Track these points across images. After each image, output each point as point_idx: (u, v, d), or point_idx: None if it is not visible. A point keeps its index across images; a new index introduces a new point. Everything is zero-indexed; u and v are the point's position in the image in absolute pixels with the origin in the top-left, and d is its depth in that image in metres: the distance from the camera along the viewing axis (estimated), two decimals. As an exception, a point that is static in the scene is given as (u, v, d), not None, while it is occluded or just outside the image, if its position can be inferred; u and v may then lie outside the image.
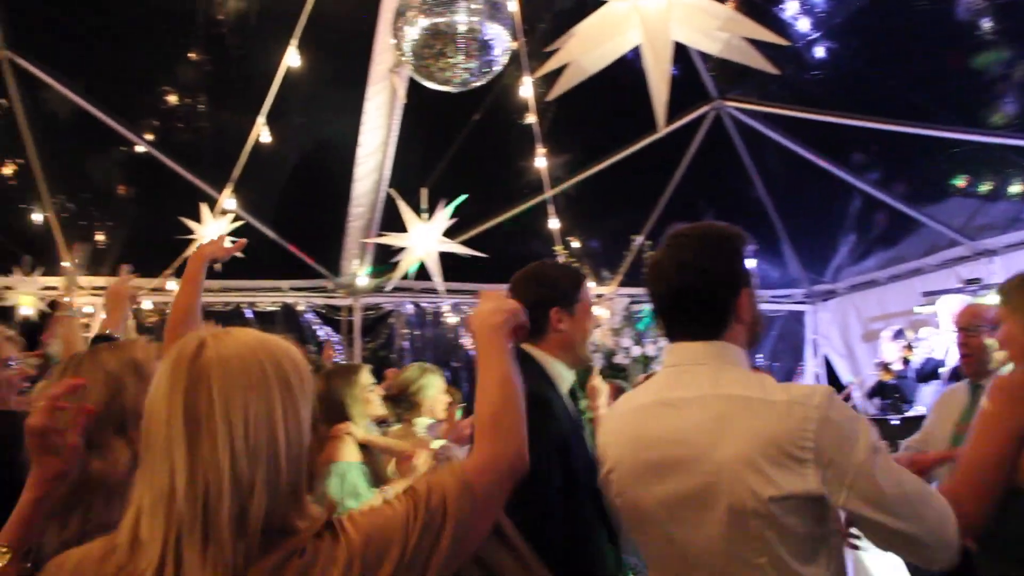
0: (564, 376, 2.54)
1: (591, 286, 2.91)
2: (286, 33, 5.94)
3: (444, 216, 6.43)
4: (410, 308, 8.82)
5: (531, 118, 6.61)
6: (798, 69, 6.79)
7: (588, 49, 3.89)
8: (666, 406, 1.88)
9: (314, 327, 8.53)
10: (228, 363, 1.34)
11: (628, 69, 4.28)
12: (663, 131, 4.39)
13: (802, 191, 8.42)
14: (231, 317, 8.09)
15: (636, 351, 7.34)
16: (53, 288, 7.93)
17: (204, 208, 6.49)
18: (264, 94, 6.29)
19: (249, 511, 1.29)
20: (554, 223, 7.49)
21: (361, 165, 7.27)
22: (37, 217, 7.66)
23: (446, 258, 6.73)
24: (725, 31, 3.75)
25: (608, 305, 7.61)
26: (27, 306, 7.62)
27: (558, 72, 4.08)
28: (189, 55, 6.90)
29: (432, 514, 1.45)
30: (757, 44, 3.84)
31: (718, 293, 1.90)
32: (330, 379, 4.03)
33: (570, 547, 2.21)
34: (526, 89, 6.32)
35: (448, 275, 6.87)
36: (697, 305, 1.91)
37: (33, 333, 6.75)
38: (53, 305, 7.79)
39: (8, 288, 7.77)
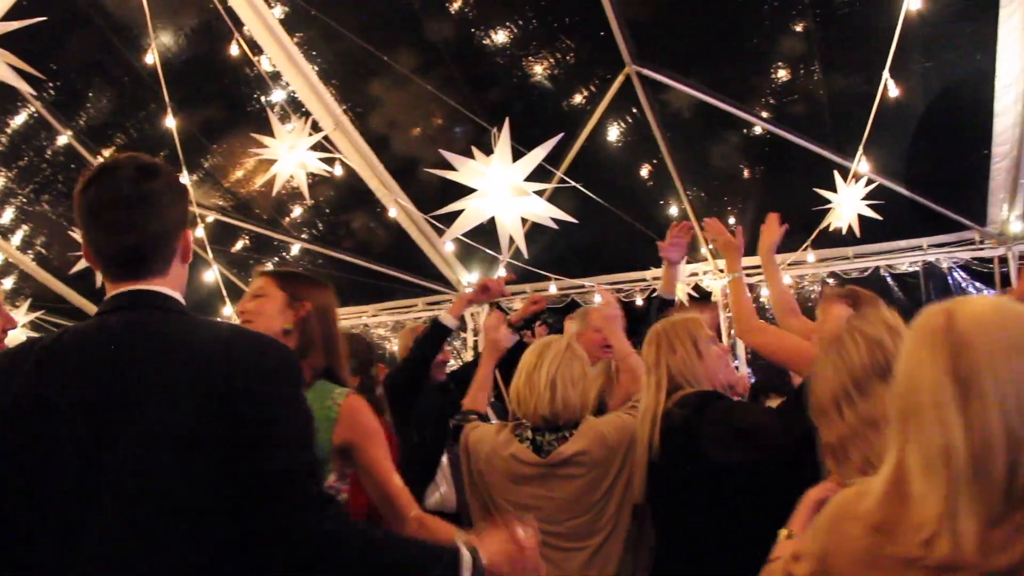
0: None
1: None
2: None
3: None
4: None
5: None
6: None
7: None
8: None
9: (962, 284, 7.89)
10: (986, 326, 1.40)
11: None
12: None
13: None
14: (868, 282, 7.84)
15: None
16: (694, 275, 8.55)
17: (837, 176, 6.41)
18: (878, 48, 5.97)
19: (1020, 465, 1.32)
20: None
21: (1001, 99, 6.48)
22: (673, 210, 8.28)
23: None
24: None
25: None
26: (679, 294, 8.29)
27: None
28: (794, 26, 6.85)
29: None
30: None
31: None
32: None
33: None
34: None
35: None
36: None
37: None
38: (696, 289, 8.41)
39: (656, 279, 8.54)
